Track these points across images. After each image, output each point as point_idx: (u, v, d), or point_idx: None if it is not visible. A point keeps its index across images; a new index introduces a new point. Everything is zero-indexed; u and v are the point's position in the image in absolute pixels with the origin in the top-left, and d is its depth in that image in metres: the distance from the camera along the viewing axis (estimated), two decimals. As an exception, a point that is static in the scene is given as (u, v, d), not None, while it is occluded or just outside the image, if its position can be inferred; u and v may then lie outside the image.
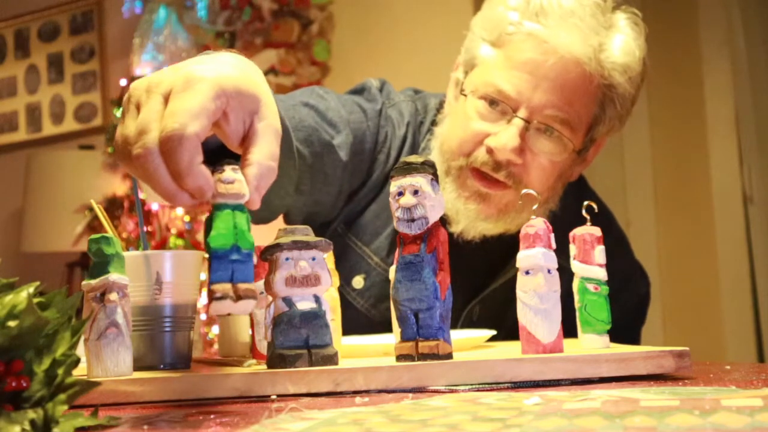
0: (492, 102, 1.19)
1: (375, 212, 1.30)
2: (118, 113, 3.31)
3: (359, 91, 1.35)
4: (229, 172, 0.64)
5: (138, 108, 0.66)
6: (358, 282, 1.28)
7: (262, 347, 0.82)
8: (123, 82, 3.38)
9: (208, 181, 0.63)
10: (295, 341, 0.72)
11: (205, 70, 0.66)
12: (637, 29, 1.22)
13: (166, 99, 0.65)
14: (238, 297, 0.61)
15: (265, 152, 0.67)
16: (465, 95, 1.22)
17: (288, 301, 0.72)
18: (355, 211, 1.30)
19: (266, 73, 3.09)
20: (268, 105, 0.69)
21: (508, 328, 1.13)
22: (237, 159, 0.68)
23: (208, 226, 0.63)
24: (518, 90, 1.17)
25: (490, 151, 1.18)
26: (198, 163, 0.62)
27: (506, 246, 1.21)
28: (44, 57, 3.92)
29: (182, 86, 0.64)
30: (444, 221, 1.20)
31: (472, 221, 1.21)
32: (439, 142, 1.26)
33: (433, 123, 1.32)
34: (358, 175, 1.28)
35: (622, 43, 1.19)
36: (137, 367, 0.81)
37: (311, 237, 0.74)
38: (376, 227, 1.29)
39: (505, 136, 1.16)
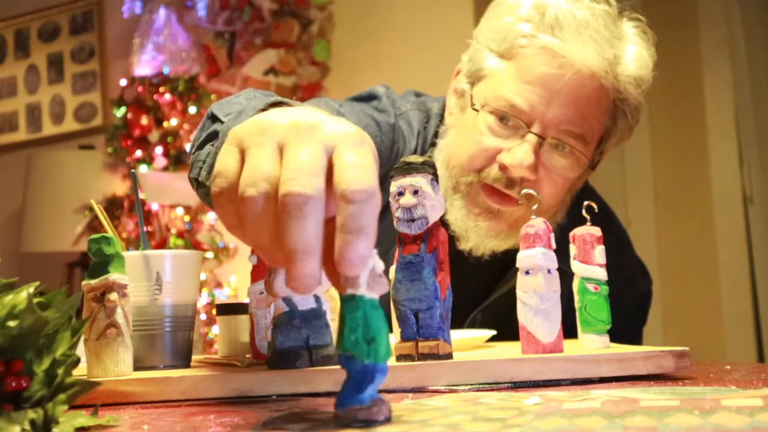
0: (503, 117, 1.16)
1: (383, 231, 1.24)
2: (118, 113, 3.31)
3: (367, 98, 1.31)
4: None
5: (242, 152, 0.56)
6: None
7: (262, 347, 0.82)
8: (123, 82, 3.38)
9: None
10: (296, 341, 0.72)
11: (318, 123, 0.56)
12: (646, 38, 1.20)
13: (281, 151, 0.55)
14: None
15: None
16: (476, 110, 1.18)
17: (288, 301, 0.72)
18: None
19: (266, 73, 3.09)
20: None
21: (510, 337, 1.12)
22: None
23: (341, 322, 0.50)
24: (532, 105, 1.14)
25: (503, 167, 1.15)
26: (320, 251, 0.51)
27: (509, 256, 1.19)
28: (44, 57, 3.92)
29: (295, 137, 0.54)
30: (453, 238, 1.18)
31: (483, 238, 1.19)
32: (444, 156, 1.22)
33: (435, 134, 1.28)
34: None
35: (635, 55, 1.17)
36: (137, 367, 0.82)
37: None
38: (381, 248, 1.23)
39: (519, 152, 1.13)
